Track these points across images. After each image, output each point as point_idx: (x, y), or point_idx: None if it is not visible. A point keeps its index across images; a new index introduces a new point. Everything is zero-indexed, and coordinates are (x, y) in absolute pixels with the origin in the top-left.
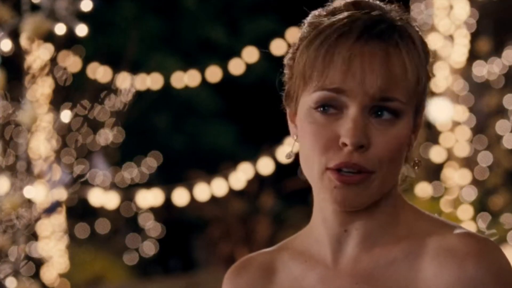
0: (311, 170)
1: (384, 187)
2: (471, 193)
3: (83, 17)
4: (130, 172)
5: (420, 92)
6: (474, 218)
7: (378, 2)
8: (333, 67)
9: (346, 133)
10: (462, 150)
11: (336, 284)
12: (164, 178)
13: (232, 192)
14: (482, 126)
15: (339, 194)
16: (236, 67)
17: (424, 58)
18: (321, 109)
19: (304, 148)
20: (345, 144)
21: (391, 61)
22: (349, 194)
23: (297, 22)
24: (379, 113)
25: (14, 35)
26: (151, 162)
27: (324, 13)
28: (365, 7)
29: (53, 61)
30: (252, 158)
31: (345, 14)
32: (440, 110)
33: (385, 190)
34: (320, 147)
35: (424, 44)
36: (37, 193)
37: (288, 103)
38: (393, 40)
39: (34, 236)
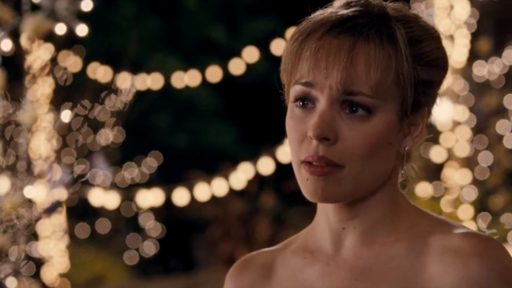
0: (293, 165)
1: (362, 183)
2: (472, 193)
3: (83, 17)
4: (130, 172)
5: (404, 90)
6: (474, 218)
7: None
8: (303, 61)
9: (311, 126)
10: (463, 150)
11: (335, 280)
12: (165, 178)
13: (232, 192)
14: (482, 126)
15: (310, 186)
16: (236, 67)
17: (410, 57)
18: (300, 103)
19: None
20: (311, 137)
21: (357, 55)
22: (319, 186)
23: (297, 22)
24: (354, 108)
25: (15, 35)
26: (152, 162)
27: (316, 13)
28: (358, 5)
29: (54, 61)
30: (252, 158)
31: (329, 10)
32: (441, 110)
33: (367, 187)
34: (295, 141)
35: (418, 44)
36: (38, 193)
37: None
38: (364, 34)
39: (34, 236)
